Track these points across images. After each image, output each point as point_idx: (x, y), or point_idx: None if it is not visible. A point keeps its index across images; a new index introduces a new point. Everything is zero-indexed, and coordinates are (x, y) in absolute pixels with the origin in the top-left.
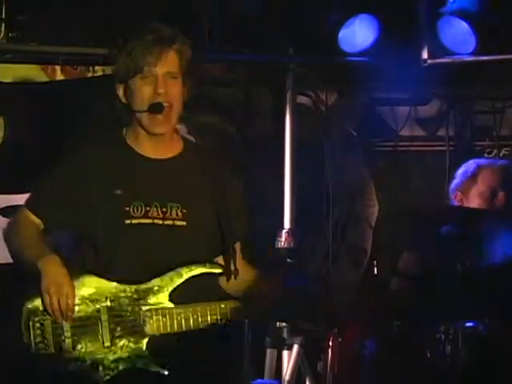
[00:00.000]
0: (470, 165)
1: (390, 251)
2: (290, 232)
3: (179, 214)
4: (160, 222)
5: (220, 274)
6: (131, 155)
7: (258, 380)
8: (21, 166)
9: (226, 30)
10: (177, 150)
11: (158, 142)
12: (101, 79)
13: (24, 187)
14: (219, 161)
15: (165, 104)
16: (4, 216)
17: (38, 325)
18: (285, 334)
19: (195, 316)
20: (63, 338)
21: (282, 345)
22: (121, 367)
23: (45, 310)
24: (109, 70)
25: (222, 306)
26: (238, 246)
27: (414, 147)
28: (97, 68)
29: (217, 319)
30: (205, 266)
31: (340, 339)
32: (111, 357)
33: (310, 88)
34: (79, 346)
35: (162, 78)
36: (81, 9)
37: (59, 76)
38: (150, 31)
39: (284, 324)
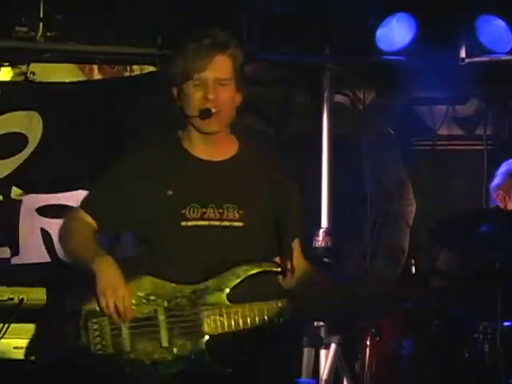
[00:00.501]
0: None
1: (428, 250)
2: (328, 231)
3: (236, 214)
4: (217, 223)
5: (277, 272)
6: (186, 157)
7: (296, 379)
8: (58, 166)
9: (264, 31)
10: (232, 152)
11: (213, 144)
12: (139, 78)
13: (61, 187)
14: (275, 161)
15: (213, 110)
16: (41, 215)
17: (96, 326)
18: (322, 333)
19: (252, 315)
20: (121, 338)
21: (319, 344)
22: (179, 367)
23: (102, 311)
24: (146, 69)
25: (279, 304)
26: (295, 244)
27: (451, 146)
28: (134, 67)
29: (273, 318)
30: (262, 265)
31: (378, 338)
32: (169, 357)
33: (348, 87)
34: (138, 347)
35: (212, 84)
36: (118, 8)
37: (97, 75)
38: (205, 36)
39: (321, 323)
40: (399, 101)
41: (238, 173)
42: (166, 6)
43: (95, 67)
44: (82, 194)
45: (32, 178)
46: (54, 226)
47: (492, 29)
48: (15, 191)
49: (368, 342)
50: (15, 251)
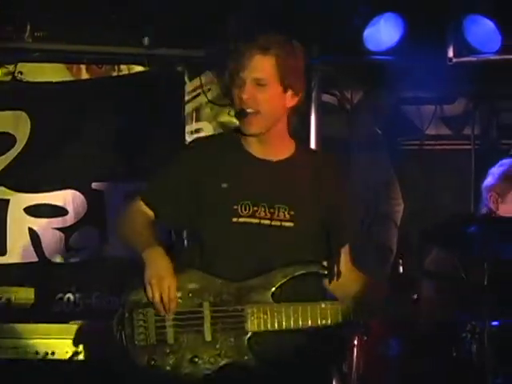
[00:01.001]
0: (508, 166)
1: (416, 250)
2: None
3: (287, 215)
4: (267, 222)
5: (324, 275)
6: (243, 155)
7: None
8: (46, 165)
9: (252, 29)
10: (287, 153)
11: (267, 144)
12: (127, 78)
13: (49, 186)
14: (329, 165)
15: (249, 110)
16: (29, 214)
17: (140, 316)
18: None
19: (296, 315)
20: (165, 330)
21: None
22: (221, 363)
23: (148, 301)
24: (134, 69)
25: (323, 305)
26: (345, 249)
27: (439, 146)
28: (122, 67)
29: (317, 319)
30: (308, 267)
31: (365, 338)
32: (212, 352)
33: (335, 87)
34: (181, 339)
35: (248, 84)
36: (106, 8)
37: (84, 75)
38: (253, 38)
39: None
40: (387, 101)
41: (291, 174)
42: (153, 5)
43: (83, 67)
44: (69, 193)
45: (20, 177)
46: (41, 225)
47: (480, 29)
48: (3, 191)
49: (356, 342)
50: (2, 251)
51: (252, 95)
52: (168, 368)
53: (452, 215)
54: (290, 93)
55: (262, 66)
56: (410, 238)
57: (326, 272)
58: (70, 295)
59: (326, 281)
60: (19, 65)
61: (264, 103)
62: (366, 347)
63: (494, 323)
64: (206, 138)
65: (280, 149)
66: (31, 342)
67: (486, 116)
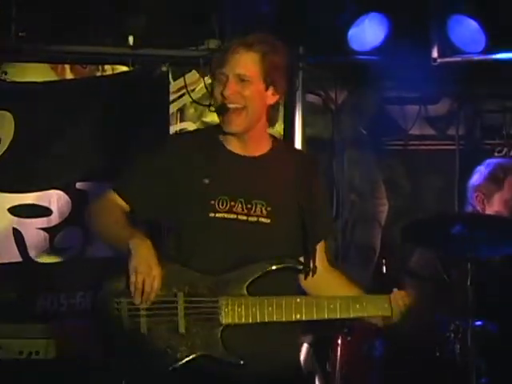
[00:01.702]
0: (495, 166)
1: (400, 250)
2: None
3: (264, 211)
4: (244, 217)
5: (299, 270)
6: (221, 151)
7: None
8: (30, 165)
9: (237, 30)
10: (265, 149)
11: (245, 140)
12: (111, 78)
13: (34, 186)
14: (306, 161)
15: (230, 105)
16: (13, 214)
17: (115, 305)
18: None
19: (270, 308)
20: (138, 320)
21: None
22: (194, 354)
23: (126, 289)
24: (118, 69)
25: (298, 300)
26: (320, 246)
27: (423, 146)
28: (106, 67)
29: (291, 313)
30: (284, 261)
31: (349, 338)
32: (185, 343)
33: (320, 87)
34: (154, 330)
35: (231, 80)
36: (90, 7)
37: (69, 75)
38: (243, 36)
39: None
40: (371, 100)
41: (269, 170)
42: (137, 5)
43: (67, 67)
44: (54, 193)
45: (4, 177)
46: (26, 225)
47: (464, 29)
48: None
49: (339, 342)
50: None
51: (234, 91)
52: (140, 358)
53: (433, 214)
54: (271, 91)
55: (245, 62)
56: (393, 238)
57: (301, 267)
58: (53, 295)
59: (301, 279)
60: (3, 65)
61: (247, 99)
62: (350, 347)
63: (478, 323)
64: (184, 133)
65: (258, 145)
66: (15, 341)
67: (470, 116)
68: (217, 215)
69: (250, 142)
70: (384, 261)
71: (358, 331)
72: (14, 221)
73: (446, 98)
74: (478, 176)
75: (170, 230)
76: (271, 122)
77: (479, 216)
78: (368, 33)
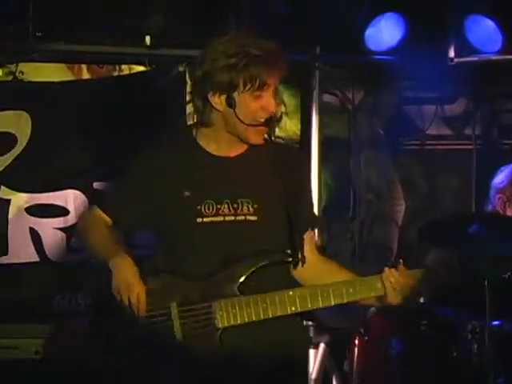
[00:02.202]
0: None
1: (417, 250)
2: (317, 231)
3: (250, 209)
4: (232, 218)
5: (288, 262)
6: (201, 154)
7: None
8: (47, 165)
9: (254, 29)
10: (244, 147)
11: (224, 141)
12: (128, 78)
13: (50, 186)
14: (286, 153)
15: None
16: (30, 214)
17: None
18: (311, 333)
19: (264, 305)
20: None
21: (308, 343)
22: (194, 361)
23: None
24: (135, 69)
25: (290, 293)
26: (308, 236)
27: (440, 146)
28: (123, 67)
29: (286, 307)
30: (272, 256)
31: (366, 338)
32: (184, 351)
33: (337, 87)
34: (151, 342)
35: (272, 96)
36: (107, 7)
37: (85, 75)
38: (254, 46)
39: (310, 322)
40: (388, 101)
41: (250, 167)
42: (154, 5)
43: (84, 67)
44: (70, 193)
45: (21, 177)
46: (42, 225)
47: (481, 29)
48: (4, 191)
49: (356, 342)
50: (4, 250)
51: (274, 106)
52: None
53: (451, 214)
54: None
55: (278, 78)
56: (411, 238)
57: (290, 259)
58: (71, 295)
59: (293, 270)
60: (20, 64)
61: (276, 110)
62: (367, 347)
63: (495, 323)
64: (162, 140)
65: (238, 144)
66: (32, 341)
67: (486, 116)
68: (204, 220)
69: (228, 141)
70: (401, 261)
71: (375, 330)
72: (31, 220)
73: (462, 97)
74: (502, 177)
75: (157, 241)
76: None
77: (496, 216)
78: (384, 33)
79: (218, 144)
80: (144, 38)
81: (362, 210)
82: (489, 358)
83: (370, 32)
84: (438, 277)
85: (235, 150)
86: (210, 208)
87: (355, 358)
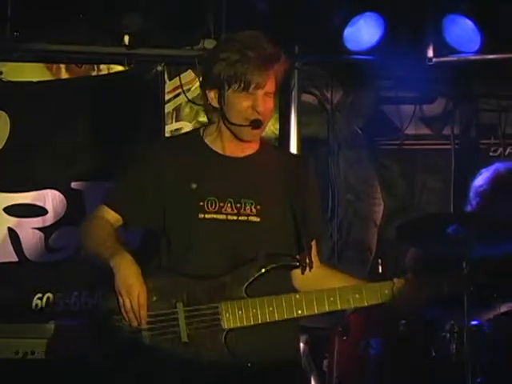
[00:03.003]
0: (500, 171)
1: (395, 249)
2: None
3: (253, 209)
4: (234, 217)
5: (295, 267)
6: (207, 152)
7: None
8: (25, 165)
9: (232, 29)
10: (252, 149)
11: (237, 144)
12: (107, 78)
13: (29, 186)
14: (296, 161)
15: (265, 121)
16: (9, 214)
17: (115, 322)
18: None
19: (271, 308)
20: (140, 334)
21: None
22: (199, 362)
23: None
24: (113, 69)
25: (297, 296)
26: (313, 244)
27: (419, 146)
28: (101, 66)
29: (292, 310)
30: (280, 260)
31: (345, 337)
32: (189, 352)
33: (315, 87)
34: (157, 342)
35: (262, 97)
36: (85, 7)
37: (64, 74)
38: (251, 47)
39: None
40: (367, 100)
41: (257, 169)
42: (133, 5)
43: (63, 66)
44: (49, 193)
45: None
46: (21, 225)
47: (459, 28)
48: None
49: (335, 341)
50: None
51: (266, 108)
52: (147, 370)
53: (429, 214)
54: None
55: (272, 80)
56: (389, 237)
57: (297, 264)
58: (49, 295)
59: (293, 278)
60: None
61: (270, 112)
62: (346, 346)
63: (473, 323)
64: (169, 137)
65: (246, 146)
66: (11, 341)
67: (465, 116)
68: (206, 216)
69: (240, 145)
70: (380, 260)
71: (353, 330)
72: (10, 220)
73: (441, 97)
74: (481, 180)
75: (161, 236)
76: None
77: (474, 216)
78: (363, 32)
79: (223, 143)
80: (122, 38)
81: (340, 210)
82: (467, 358)
83: (348, 32)
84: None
85: (242, 151)
86: (213, 205)
87: (334, 358)
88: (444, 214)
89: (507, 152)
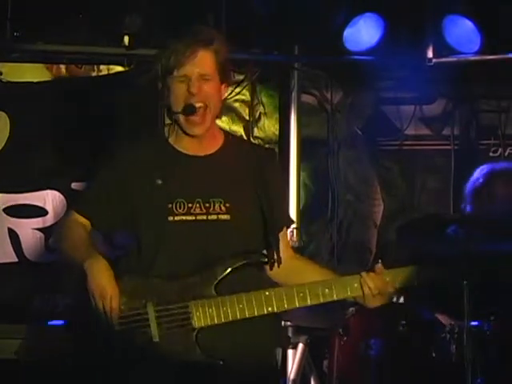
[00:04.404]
0: (494, 173)
1: (394, 250)
2: (295, 231)
3: (222, 208)
4: (204, 217)
5: (264, 263)
6: (172, 153)
7: None
8: (26, 166)
9: (232, 30)
10: (217, 146)
11: (199, 140)
12: (106, 78)
13: (29, 187)
14: (259, 153)
15: (198, 105)
16: (9, 215)
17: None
18: (290, 333)
19: (241, 305)
20: (113, 335)
21: (287, 344)
22: (171, 362)
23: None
24: (113, 69)
25: (267, 293)
26: (282, 235)
27: (419, 146)
28: (101, 67)
29: (263, 307)
30: (248, 257)
31: (345, 338)
32: (161, 351)
33: (315, 87)
34: (128, 343)
35: (195, 79)
36: (85, 8)
37: (64, 75)
38: (190, 33)
39: (289, 323)
40: (367, 101)
41: (222, 166)
42: (133, 5)
43: (62, 67)
44: (49, 193)
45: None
46: (21, 225)
47: (459, 29)
48: None
49: (336, 342)
50: None
51: (200, 89)
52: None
53: (428, 214)
54: (224, 85)
55: (205, 61)
56: (389, 238)
57: (266, 260)
58: (50, 295)
59: (268, 270)
60: None
61: (211, 96)
62: (346, 347)
63: (473, 323)
64: (133, 141)
65: (210, 143)
66: (11, 341)
67: (465, 116)
68: (175, 218)
69: (204, 140)
70: (380, 261)
71: (353, 331)
72: (10, 221)
73: (441, 98)
74: (476, 180)
75: (130, 240)
76: (219, 115)
77: (474, 216)
78: (363, 33)
79: (186, 142)
80: (122, 39)
81: (340, 211)
82: (467, 359)
83: (348, 32)
84: (417, 275)
85: (209, 148)
86: (182, 207)
87: (334, 359)
88: (444, 215)
89: (507, 152)
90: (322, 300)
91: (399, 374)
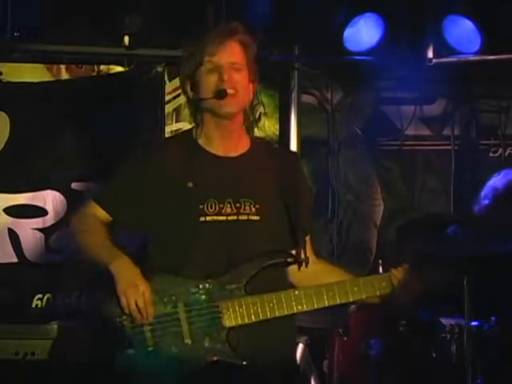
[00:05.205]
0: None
1: (395, 250)
2: None
3: (252, 209)
4: (234, 217)
5: (292, 262)
6: (202, 154)
7: None
8: (25, 165)
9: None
10: (245, 147)
11: (227, 141)
12: (107, 78)
13: (29, 187)
14: (287, 157)
15: (229, 91)
16: (9, 215)
17: (118, 324)
18: None
19: (271, 305)
20: (143, 337)
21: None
22: (202, 362)
23: (122, 311)
24: (113, 69)
25: (296, 292)
26: (307, 239)
27: (419, 146)
28: (102, 67)
29: (292, 306)
30: (276, 256)
31: (345, 338)
32: (192, 352)
33: (315, 87)
34: (160, 344)
35: (226, 67)
36: (86, 8)
37: (64, 75)
38: (214, 27)
39: None
40: (367, 101)
41: (252, 168)
42: (133, 5)
43: (63, 67)
44: (49, 193)
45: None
46: (21, 226)
47: (459, 29)
48: None
49: (336, 342)
50: None
51: (231, 77)
52: (151, 372)
53: (429, 214)
54: (251, 85)
55: (235, 51)
56: (389, 238)
57: (293, 260)
58: (49, 295)
59: (290, 275)
60: None
61: (242, 85)
62: (346, 347)
63: (474, 323)
64: (162, 140)
65: (238, 145)
66: (11, 342)
67: (465, 116)
68: (207, 219)
69: (232, 140)
70: (380, 261)
71: (353, 331)
72: (10, 221)
73: (441, 98)
74: (498, 182)
75: (154, 239)
76: (251, 122)
77: (474, 216)
78: (363, 33)
79: (214, 143)
80: (122, 39)
81: (340, 211)
82: (468, 359)
83: (348, 32)
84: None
85: (237, 150)
86: (213, 207)
87: (334, 359)
88: (444, 215)
89: (507, 153)
90: (351, 298)
91: (399, 374)
